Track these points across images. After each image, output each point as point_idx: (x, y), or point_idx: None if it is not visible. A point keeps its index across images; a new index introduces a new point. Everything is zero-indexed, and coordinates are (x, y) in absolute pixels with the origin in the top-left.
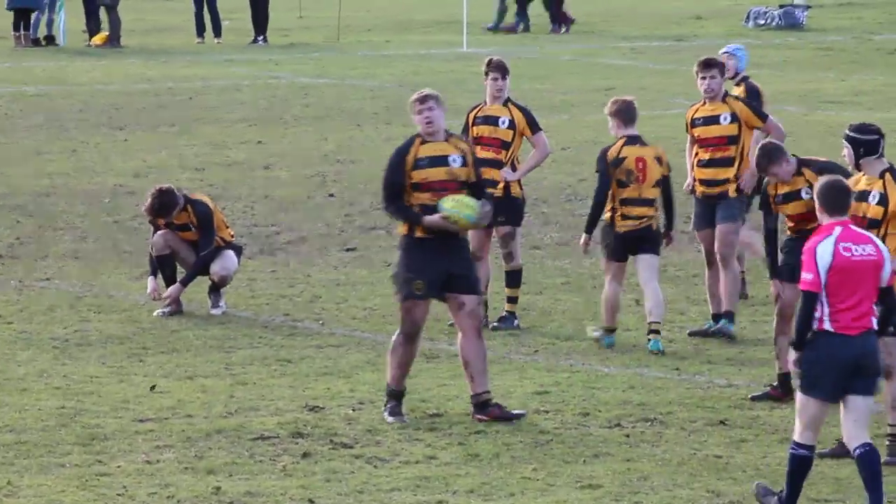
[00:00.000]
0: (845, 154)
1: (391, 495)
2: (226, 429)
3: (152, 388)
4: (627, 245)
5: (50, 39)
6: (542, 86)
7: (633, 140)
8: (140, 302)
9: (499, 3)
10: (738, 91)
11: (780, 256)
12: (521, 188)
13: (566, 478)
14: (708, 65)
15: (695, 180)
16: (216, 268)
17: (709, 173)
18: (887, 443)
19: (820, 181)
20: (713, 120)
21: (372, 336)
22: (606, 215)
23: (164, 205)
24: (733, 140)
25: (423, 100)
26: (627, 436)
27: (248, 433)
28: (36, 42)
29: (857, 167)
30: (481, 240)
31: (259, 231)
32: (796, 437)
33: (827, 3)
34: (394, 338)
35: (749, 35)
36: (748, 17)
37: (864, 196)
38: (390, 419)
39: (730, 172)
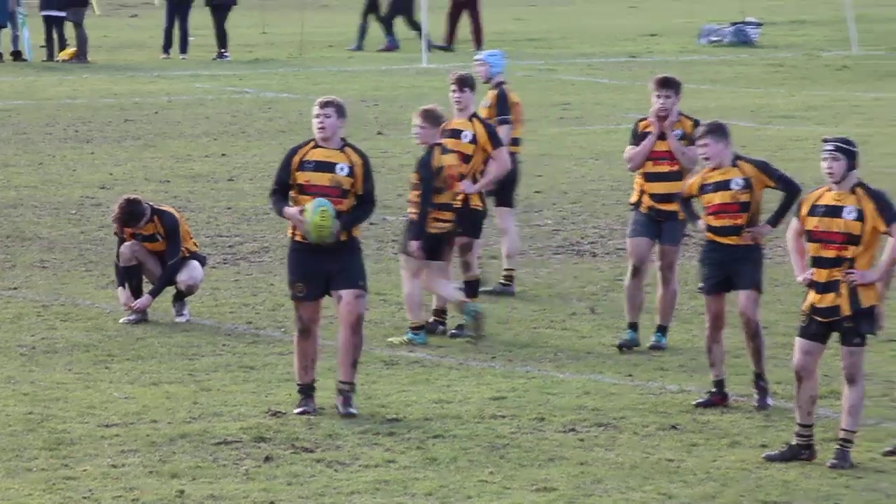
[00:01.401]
0: (832, 167)
1: (351, 498)
2: (190, 434)
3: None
4: (434, 245)
5: (16, 55)
6: None
7: (444, 149)
8: (106, 310)
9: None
10: (489, 96)
11: (703, 269)
12: (482, 201)
13: (522, 481)
14: (664, 83)
15: (642, 193)
16: (184, 277)
17: (658, 187)
18: (837, 447)
19: None
20: (664, 135)
21: (333, 343)
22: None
23: (131, 214)
24: None
25: (322, 105)
26: (582, 440)
27: (212, 438)
28: (0, 57)
29: (839, 182)
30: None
31: (222, 241)
32: None
33: (779, 20)
34: None
35: (702, 52)
36: (701, 35)
37: (836, 211)
38: (295, 410)
39: (679, 187)
